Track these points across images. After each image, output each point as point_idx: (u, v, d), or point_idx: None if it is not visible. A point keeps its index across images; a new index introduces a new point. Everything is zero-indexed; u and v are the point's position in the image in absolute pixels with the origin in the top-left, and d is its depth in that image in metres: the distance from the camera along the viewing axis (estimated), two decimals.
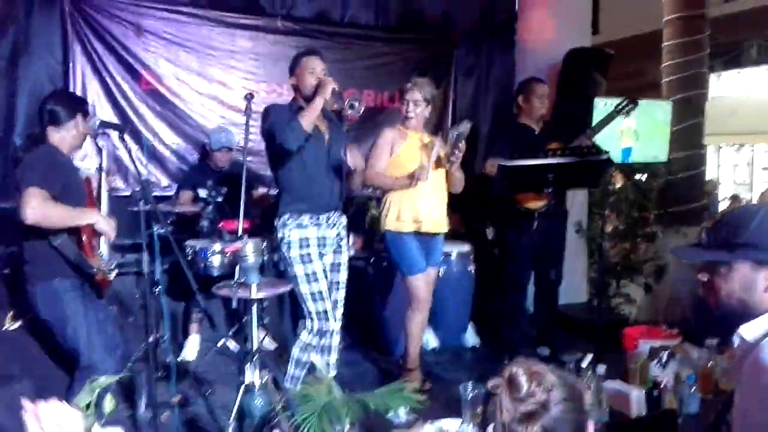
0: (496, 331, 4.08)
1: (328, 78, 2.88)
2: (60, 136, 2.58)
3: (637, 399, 2.32)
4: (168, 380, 3.20)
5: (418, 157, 3.28)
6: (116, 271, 2.89)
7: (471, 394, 2.42)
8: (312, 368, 2.89)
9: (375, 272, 4.40)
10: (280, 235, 2.94)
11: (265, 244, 3.35)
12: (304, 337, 2.98)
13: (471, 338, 4.28)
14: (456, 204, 4.47)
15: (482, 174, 3.94)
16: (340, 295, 3.13)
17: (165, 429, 2.75)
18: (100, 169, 2.99)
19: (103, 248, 2.71)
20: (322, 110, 2.91)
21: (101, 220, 2.56)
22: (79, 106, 2.68)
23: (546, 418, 1.13)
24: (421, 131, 3.38)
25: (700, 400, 2.40)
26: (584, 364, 2.38)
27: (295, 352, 2.98)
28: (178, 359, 3.65)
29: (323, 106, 2.84)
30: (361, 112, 3.03)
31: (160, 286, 3.15)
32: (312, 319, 2.94)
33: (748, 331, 1.44)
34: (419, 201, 3.30)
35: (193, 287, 3.18)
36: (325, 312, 2.94)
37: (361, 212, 5.06)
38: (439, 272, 3.63)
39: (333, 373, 3.14)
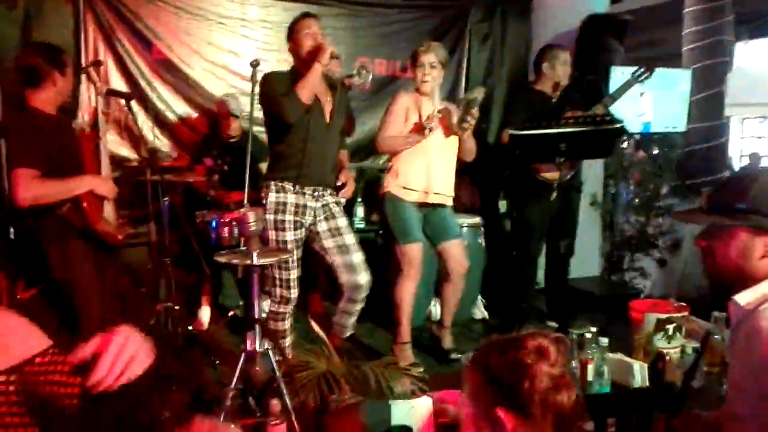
0: (506, 304, 4.07)
1: (325, 42, 2.81)
2: (40, 98, 2.48)
3: (639, 371, 2.30)
4: (178, 350, 3.28)
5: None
6: (126, 230, 2.91)
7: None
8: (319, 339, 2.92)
9: (384, 243, 4.39)
10: (263, 197, 2.93)
11: None
12: (271, 306, 3.01)
13: (480, 311, 4.27)
14: (470, 176, 4.45)
15: (498, 143, 3.89)
16: (357, 256, 3.08)
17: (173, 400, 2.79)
18: (96, 128, 2.92)
19: (108, 210, 2.70)
20: (327, 79, 2.87)
21: (98, 183, 2.53)
22: (53, 62, 2.50)
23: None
24: (435, 98, 3.31)
25: (705, 373, 2.36)
26: (588, 336, 2.36)
27: (270, 324, 3.00)
28: (189, 329, 3.71)
29: (326, 73, 2.80)
30: (370, 80, 2.99)
31: (168, 258, 3.20)
32: (275, 286, 2.97)
33: (744, 298, 1.42)
34: (428, 171, 3.26)
35: (200, 257, 3.24)
36: (288, 281, 2.95)
37: (371, 185, 5.05)
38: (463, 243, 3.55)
39: (348, 333, 3.22)
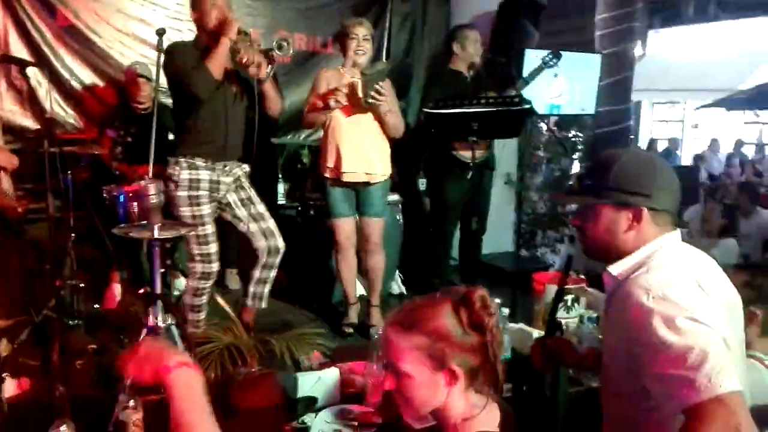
0: (422, 279, 4.16)
1: (231, 16, 2.77)
2: None
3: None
4: (85, 328, 3.17)
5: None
6: (25, 203, 2.79)
7: (379, 336, 2.46)
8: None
9: (303, 221, 4.40)
10: (169, 172, 2.89)
11: None
12: (191, 281, 3.01)
13: (397, 286, 4.34)
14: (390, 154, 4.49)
15: (417, 122, 3.94)
16: (271, 222, 3.14)
17: (77, 377, 2.70)
18: None
19: (5, 182, 2.58)
20: (232, 51, 2.81)
21: None
22: None
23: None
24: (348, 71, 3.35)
25: (598, 341, 2.51)
26: None
27: (186, 298, 3.04)
28: (97, 307, 3.59)
29: (234, 47, 2.75)
30: (290, 53, 2.96)
31: (72, 234, 3.08)
32: (196, 261, 2.96)
33: (615, 268, 1.51)
34: (341, 151, 3.32)
35: (103, 233, 3.13)
36: (209, 255, 2.96)
37: (292, 160, 5.02)
38: (382, 222, 3.59)
39: (263, 305, 3.25)
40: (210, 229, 2.96)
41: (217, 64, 2.73)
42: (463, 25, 4.04)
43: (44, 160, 3.08)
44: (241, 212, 3.09)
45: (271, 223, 3.14)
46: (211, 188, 2.95)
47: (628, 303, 1.39)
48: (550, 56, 3.70)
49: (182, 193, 2.88)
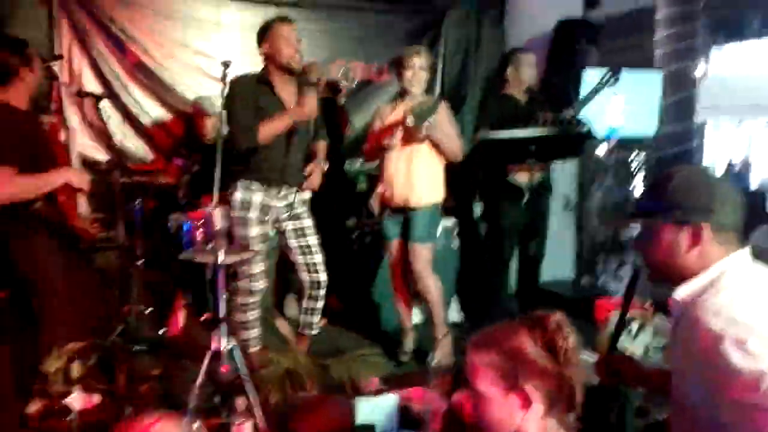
0: (480, 307, 4.10)
1: (311, 96, 2.87)
2: (9, 94, 2.47)
3: None
4: (149, 353, 3.26)
5: None
6: (98, 227, 2.92)
7: (436, 364, 2.44)
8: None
9: (360, 247, 4.42)
10: (228, 197, 3.01)
11: None
12: (238, 298, 3.10)
13: (454, 314, 4.29)
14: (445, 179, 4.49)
15: (472, 148, 3.93)
16: (318, 257, 3.21)
17: (143, 401, 2.77)
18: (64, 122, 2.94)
19: (82, 205, 2.71)
20: (297, 79, 2.90)
21: (73, 175, 2.52)
22: (17, 56, 2.48)
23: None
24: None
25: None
26: None
27: (235, 316, 3.11)
28: (162, 332, 3.69)
29: (299, 78, 2.86)
30: (355, 82, 3.04)
31: (140, 261, 3.19)
32: (238, 279, 3.07)
33: (682, 291, 1.46)
34: (389, 177, 3.37)
35: (171, 259, 3.23)
36: (251, 274, 3.06)
37: (351, 186, 5.06)
38: (428, 248, 3.54)
39: (315, 332, 3.29)
40: (257, 249, 3.04)
41: (269, 134, 2.89)
42: (516, 49, 4.02)
43: (114, 191, 3.25)
44: (292, 243, 3.18)
45: (317, 258, 3.20)
46: (262, 209, 3.04)
47: (696, 327, 1.34)
48: (609, 75, 3.62)
49: (233, 214, 2.99)
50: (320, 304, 3.26)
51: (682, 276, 1.45)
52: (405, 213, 3.43)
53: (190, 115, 4.19)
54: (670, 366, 1.57)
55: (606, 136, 4.29)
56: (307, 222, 3.20)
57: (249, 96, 2.89)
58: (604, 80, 3.62)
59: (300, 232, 3.19)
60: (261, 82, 2.96)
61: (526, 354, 1.23)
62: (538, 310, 1.33)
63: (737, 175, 10.07)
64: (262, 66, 3.07)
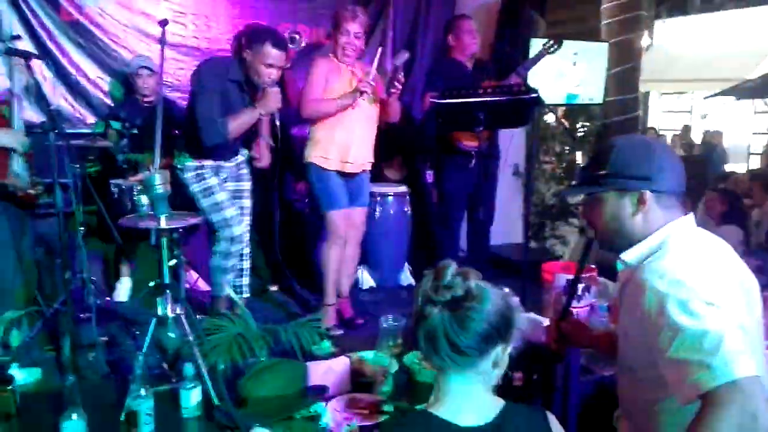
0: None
1: (275, 90, 2.86)
2: None
3: None
4: (96, 322, 3.17)
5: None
6: (40, 187, 2.83)
7: (388, 325, 2.46)
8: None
9: (311, 212, 4.38)
10: (180, 171, 3.05)
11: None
12: (221, 247, 3.14)
13: (406, 278, 4.34)
14: (397, 146, 4.48)
15: (424, 113, 3.92)
16: (245, 220, 3.26)
17: (88, 369, 2.69)
18: (10, 92, 2.83)
19: (19, 166, 2.61)
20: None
21: (3, 135, 2.44)
22: None
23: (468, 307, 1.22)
24: (353, 65, 3.31)
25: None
26: None
27: (216, 260, 3.18)
28: (109, 299, 3.60)
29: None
30: (302, 45, 2.97)
31: (82, 228, 3.08)
32: (222, 228, 3.12)
33: (627, 255, 1.51)
34: (347, 140, 3.26)
35: (110, 225, 3.14)
36: (231, 229, 3.13)
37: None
38: (368, 212, 3.59)
39: (247, 294, 3.32)
40: (231, 212, 3.12)
41: (237, 129, 2.95)
42: (457, 16, 4.06)
43: (52, 154, 3.11)
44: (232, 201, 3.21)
45: (247, 220, 3.29)
46: (217, 174, 3.10)
47: (642, 289, 1.37)
48: (551, 43, 3.70)
49: (196, 189, 3.07)
50: (247, 264, 3.36)
51: (628, 241, 1.50)
52: (349, 177, 3.35)
53: (127, 77, 4.02)
54: (616, 328, 1.62)
55: (563, 104, 4.37)
56: (247, 185, 3.26)
57: (215, 98, 2.90)
58: (547, 47, 3.70)
59: (238, 193, 3.23)
60: (230, 80, 2.95)
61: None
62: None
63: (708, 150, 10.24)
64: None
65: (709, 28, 11.34)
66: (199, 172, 3.11)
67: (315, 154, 3.27)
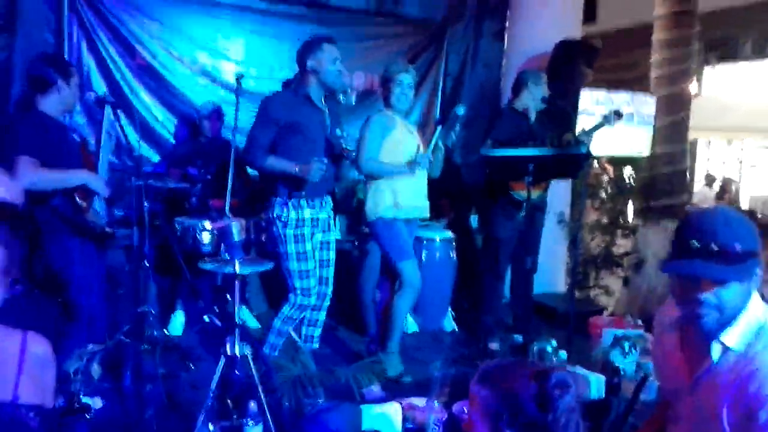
0: (474, 317, 4.20)
1: (321, 167, 2.86)
2: (46, 102, 2.68)
3: (596, 384, 2.44)
4: (154, 353, 3.32)
5: (409, 142, 3.35)
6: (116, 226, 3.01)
7: (439, 373, 2.53)
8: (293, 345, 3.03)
9: (360, 255, 4.50)
10: (276, 213, 2.99)
11: (251, 223, 3.48)
12: (286, 310, 3.09)
13: (449, 323, 4.39)
14: (443, 192, 4.58)
15: (465, 161, 4.02)
16: (330, 272, 3.21)
17: (149, 400, 2.82)
18: (98, 140, 3.06)
19: (99, 207, 2.82)
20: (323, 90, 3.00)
21: (91, 179, 2.66)
22: (60, 72, 2.71)
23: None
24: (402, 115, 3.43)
25: (657, 388, 2.51)
26: (548, 350, 2.50)
27: (277, 323, 3.11)
28: (164, 332, 3.75)
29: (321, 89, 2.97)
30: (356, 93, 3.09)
31: (147, 261, 3.26)
32: (296, 294, 3.05)
33: (731, 339, 1.43)
34: (411, 188, 3.36)
35: (180, 262, 3.31)
36: (308, 289, 3.05)
37: (349, 195, 5.15)
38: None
39: (316, 346, 3.31)
40: (312, 264, 3.05)
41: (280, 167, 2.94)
42: (534, 69, 4.11)
43: (122, 193, 3.34)
44: (318, 254, 3.16)
45: (331, 272, 3.22)
46: (312, 225, 3.05)
47: (757, 376, 1.37)
48: (612, 114, 3.66)
49: (289, 232, 2.99)
50: (323, 316, 3.27)
51: (724, 321, 1.43)
52: (408, 225, 3.44)
53: (195, 121, 4.25)
54: (682, 387, 1.55)
55: (605, 156, 4.36)
56: (333, 236, 3.23)
57: (285, 114, 2.95)
58: (607, 118, 3.66)
59: (325, 245, 3.19)
60: (298, 98, 3.01)
61: (517, 401, 1.17)
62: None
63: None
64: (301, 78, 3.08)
65: (761, 75, 11.20)
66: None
67: (382, 206, 3.33)
